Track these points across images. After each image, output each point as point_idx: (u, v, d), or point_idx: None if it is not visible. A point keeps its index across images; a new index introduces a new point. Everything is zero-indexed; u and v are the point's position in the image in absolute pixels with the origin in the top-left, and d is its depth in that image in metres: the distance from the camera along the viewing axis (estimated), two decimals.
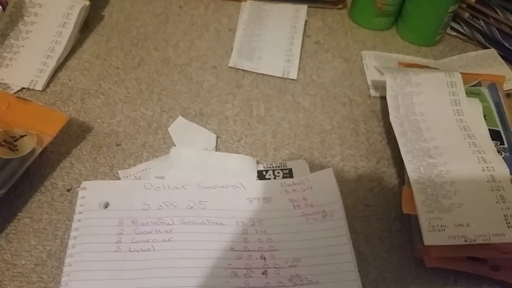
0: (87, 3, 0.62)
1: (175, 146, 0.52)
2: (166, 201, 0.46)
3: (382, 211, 0.48)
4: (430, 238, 0.40)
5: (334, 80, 0.62)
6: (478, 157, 0.46)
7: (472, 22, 0.69)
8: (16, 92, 0.55)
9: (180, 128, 0.54)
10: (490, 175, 0.45)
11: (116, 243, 0.42)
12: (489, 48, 0.68)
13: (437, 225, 0.41)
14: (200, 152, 0.51)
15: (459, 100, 0.52)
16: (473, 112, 0.51)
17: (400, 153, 0.48)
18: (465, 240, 0.40)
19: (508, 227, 0.40)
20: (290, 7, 0.71)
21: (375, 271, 0.43)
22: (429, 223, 0.41)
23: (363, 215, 0.48)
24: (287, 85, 0.61)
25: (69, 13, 0.61)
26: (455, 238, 0.40)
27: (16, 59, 0.58)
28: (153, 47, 0.64)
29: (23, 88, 0.56)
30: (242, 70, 0.62)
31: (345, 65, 0.64)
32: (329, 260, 0.42)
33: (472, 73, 0.60)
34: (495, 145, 0.48)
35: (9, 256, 0.42)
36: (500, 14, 0.65)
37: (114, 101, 0.56)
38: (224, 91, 0.59)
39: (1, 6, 0.61)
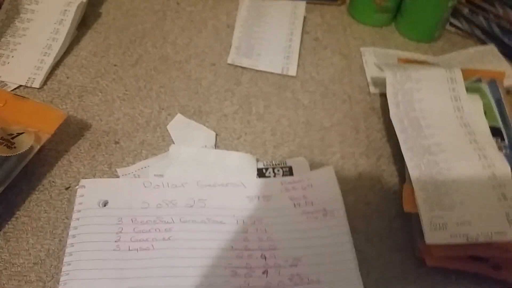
0: (84, 0, 0.62)
1: (174, 143, 0.51)
2: (166, 199, 0.45)
3: (382, 209, 0.48)
4: (431, 237, 0.40)
5: (333, 77, 0.62)
6: (479, 154, 0.46)
7: (471, 18, 0.68)
8: (13, 90, 0.55)
9: (179, 125, 0.54)
10: (491, 173, 0.44)
11: (115, 241, 0.42)
12: (489, 44, 0.67)
13: (439, 224, 0.41)
14: (199, 150, 0.50)
15: (459, 96, 0.52)
16: (474, 108, 0.51)
17: (400, 151, 0.47)
18: (467, 239, 0.40)
19: (510, 225, 0.40)
20: (288, 3, 0.71)
21: (376, 270, 0.43)
22: (431, 222, 0.41)
23: (364, 213, 0.47)
24: (286, 82, 0.60)
25: (66, 10, 0.60)
26: (456, 236, 0.40)
27: (13, 57, 0.57)
28: (151, 44, 0.63)
29: (20, 85, 0.55)
30: (241, 67, 0.61)
31: (344, 62, 0.64)
32: (330, 259, 0.42)
33: (471, 69, 0.60)
34: (495, 142, 0.48)
35: (7, 255, 0.42)
36: (500, 10, 0.65)
37: (112, 99, 0.56)
38: (222, 88, 0.59)
39: None
